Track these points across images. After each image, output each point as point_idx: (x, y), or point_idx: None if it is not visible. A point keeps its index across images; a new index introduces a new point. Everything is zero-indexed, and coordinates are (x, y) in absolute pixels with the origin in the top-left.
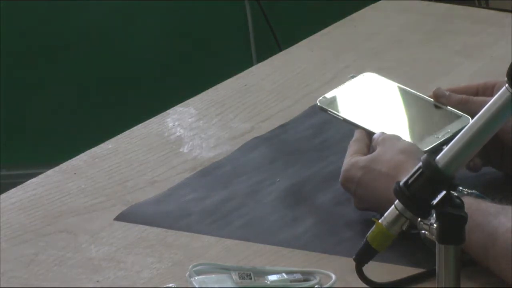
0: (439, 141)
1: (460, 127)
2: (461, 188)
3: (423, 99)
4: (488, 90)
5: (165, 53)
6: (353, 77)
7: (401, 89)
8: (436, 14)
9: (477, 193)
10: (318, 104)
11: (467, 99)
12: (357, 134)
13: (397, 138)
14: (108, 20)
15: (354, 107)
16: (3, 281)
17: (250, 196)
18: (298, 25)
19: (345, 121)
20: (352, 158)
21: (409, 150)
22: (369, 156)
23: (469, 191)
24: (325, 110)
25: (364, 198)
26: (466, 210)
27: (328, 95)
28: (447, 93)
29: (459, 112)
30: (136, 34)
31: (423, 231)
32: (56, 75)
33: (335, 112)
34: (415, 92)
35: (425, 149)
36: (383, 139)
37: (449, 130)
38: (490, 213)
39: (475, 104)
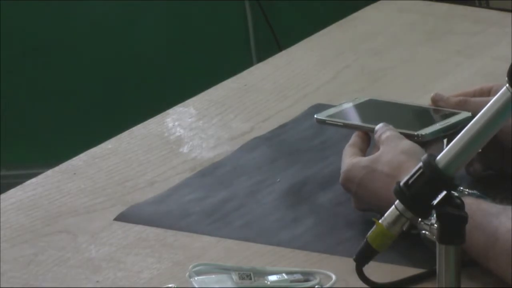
0: (440, 128)
1: (460, 118)
2: (461, 188)
3: (421, 106)
4: (484, 94)
5: (165, 53)
6: (347, 100)
7: (398, 102)
8: (436, 14)
9: (478, 193)
10: (316, 117)
11: (465, 100)
12: (353, 138)
13: (399, 138)
14: (108, 20)
15: (353, 113)
16: (3, 281)
17: (250, 196)
18: (298, 25)
19: (345, 125)
20: (352, 158)
21: (411, 151)
22: (370, 156)
23: (470, 191)
24: (323, 121)
25: (364, 198)
26: (466, 210)
27: (325, 110)
28: (445, 96)
29: (458, 110)
30: (136, 34)
31: (423, 231)
32: (56, 75)
33: (334, 120)
34: (413, 103)
35: (424, 133)
36: (386, 138)
37: (449, 121)
38: (491, 213)
39: (474, 104)
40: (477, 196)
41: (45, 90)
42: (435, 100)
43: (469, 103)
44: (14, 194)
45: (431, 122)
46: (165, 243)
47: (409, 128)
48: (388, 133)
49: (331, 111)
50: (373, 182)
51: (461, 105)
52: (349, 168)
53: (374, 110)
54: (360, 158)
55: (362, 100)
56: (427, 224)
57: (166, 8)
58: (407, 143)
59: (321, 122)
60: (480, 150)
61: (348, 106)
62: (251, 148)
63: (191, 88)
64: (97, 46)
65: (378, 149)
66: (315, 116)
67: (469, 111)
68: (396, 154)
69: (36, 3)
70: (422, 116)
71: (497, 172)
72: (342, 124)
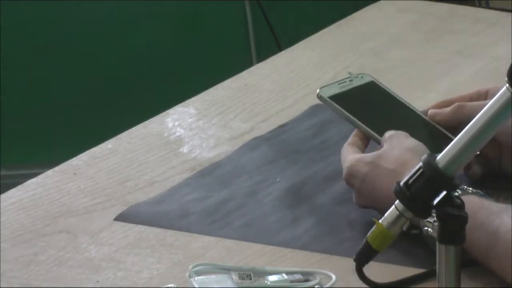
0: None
1: None
2: (465, 187)
3: (417, 115)
4: (481, 98)
5: (165, 53)
6: (350, 75)
7: (397, 99)
8: (436, 14)
9: (481, 192)
10: (320, 94)
11: (461, 105)
12: (352, 138)
13: (404, 136)
14: (108, 20)
15: (354, 103)
16: (3, 281)
17: (250, 196)
18: (298, 25)
19: (346, 118)
20: (356, 154)
21: (417, 149)
22: (375, 152)
23: (473, 190)
24: (325, 100)
25: (366, 194)
26: (469, 208)
27: (327, 86)
28: (440, 110)
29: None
30: (136, 34)
31: (425, 228)
32: (56, 75)
33: (336, 106)
34: (411, 106)
35: None
36: (390, 136)
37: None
38: (493, 212)
39: (470, 109)
40: (481, 195)
41: (45, 90)
42: (432, 117)
43: (465, 108)
44: (14, 194)
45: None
46: (165, 243)
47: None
48: (392, 132)
49: (334, 89)
50: (377, 178)
51: (457, 112)
52: (353, 164)
53: (376, 104)
54: (364, 154)
55: (364, 81)
56: (430, 222)
57: (166, 8)
58: (412, 141)
59: (323, 100)
60: (478, 152)
61: (350, 87)
62: (251, 148)
63: (191, 88)
64: (97, 46)
65: (382, 146)
66: (317, 91)
67: (465, 116)
68: (401, 151)
69: (36, 3)
70: (428, 135)
71: (497, 172)
72: (343, 115)
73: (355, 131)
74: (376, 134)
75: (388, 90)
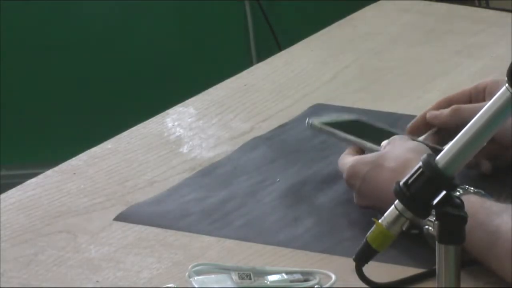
0: None
1: None
2: (467, 186)
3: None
4: (480, 93)
5: (165, 53)
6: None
7: (387, 131)
8: (436, 14)
9: (483, 192)
10: (309, 122)
11: (458, 108)
12: (348, 150)
13: (406, 138)
14: (108, 20)
15: (347, 129)
16: (3, 281)
17: (250, 196)
18: (298, 25)
19: (345, 139)
20: (356, 156)
21: (418, 149)
22: (376, 153)
23: (475, 190)
24: (316, 127)
25: (367, 194)
26: (469, 208)
27: (317, 118)
28: (438, 112)
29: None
30: (136, 34)
31: (426, 227)
32: (56, 75)
33: (330, 130)
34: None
35: None
36: (392, 139)
37: None
38: (493, 212)
39: (468, 111)
40: (482, 195)
41: (45, 90)
42: (430, 121)
43: (462, 110)
44: (14, 194)
45: None
46: (165, 243)
47: None
48: (395, 136)
49: (323, 119)
50: (378, 177)
51: (455, 114)
52: (354, 164)
53: (368, 130)
54: (364, 155)
55: (351, 117)
56: (431, 221)
57: (166, 8)
58: (413, 143)
59: (314, 127)
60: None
61: (340, 119)
62: (251, 148)
63: (191, 88)
64: (97, 46)
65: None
66: (307, 120)
67: (463, 118)
68: (403, 151)
69: (36, 3)
70: None
71: (503, 169)
72: (339, 136)
73: (351, 146)
74: (375, 145)
75: (376, 124)
